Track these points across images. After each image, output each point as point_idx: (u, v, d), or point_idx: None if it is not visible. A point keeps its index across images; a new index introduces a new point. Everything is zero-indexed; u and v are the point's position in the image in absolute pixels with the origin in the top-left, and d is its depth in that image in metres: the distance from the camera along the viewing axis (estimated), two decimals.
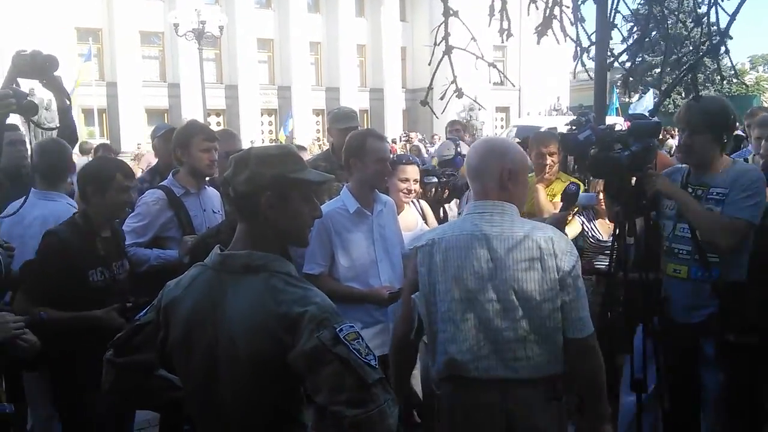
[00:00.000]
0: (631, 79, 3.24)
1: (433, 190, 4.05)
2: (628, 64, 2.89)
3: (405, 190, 3.52)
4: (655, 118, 3.00)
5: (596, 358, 2.05)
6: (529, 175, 4.07)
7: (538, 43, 2.28)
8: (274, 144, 2.76)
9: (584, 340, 2.02)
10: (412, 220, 3.60)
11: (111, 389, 1.75)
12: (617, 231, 2.89)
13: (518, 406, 2.02)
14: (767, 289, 2.76)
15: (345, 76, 33.81)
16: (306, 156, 5.51)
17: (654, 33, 4.51)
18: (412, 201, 3.68)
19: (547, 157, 3.95)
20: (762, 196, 2.75)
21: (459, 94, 1.99)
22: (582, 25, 2.21)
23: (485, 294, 2.01)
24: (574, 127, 2.82)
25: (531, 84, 35.43)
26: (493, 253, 2.01)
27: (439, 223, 4.40)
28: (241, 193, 1.60)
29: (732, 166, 2.85)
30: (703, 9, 2.26)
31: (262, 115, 32.73)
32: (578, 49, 2.32)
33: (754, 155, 4.20)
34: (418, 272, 2.12)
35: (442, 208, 4.48)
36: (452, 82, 2.03)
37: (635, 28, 3.20)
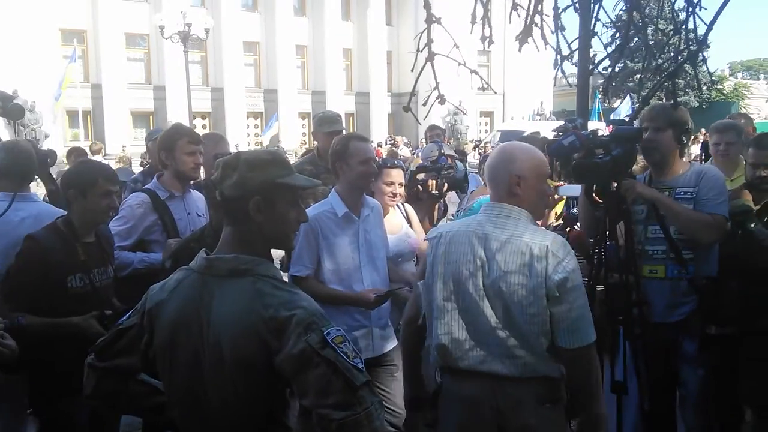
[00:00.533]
0: (613, 84, 3.29)
1: (434, 183, 4.12)
2: (609, 71, 2.95)
3: (390, 194, 3.53)
4: (636, 124, 3.06)
5: (587, 366, 2.06)
6: None
7: (520, 50, 2.31)
8: (262, 149, 2.77)
9: (574, 351, 2.02)
10: (397, 223, 3.62)
11: (92, 394, 1.74)
12: (598, 236, 2.93)
13: (507, 403, 2.06)
14: (742, 282, 2.87)
15: (331, 79, 33.81)
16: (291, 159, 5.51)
17: (636, 39, 4.58)
18: (396, 204, 3.70)
19: None
20: (726, 192, 2.95)
21: (441, 100, 2.01)
22: (563, 34, 2.25)
23: (475, 290, 2.08)
24: (561, 133, 2.87)
25: (515, 89, 35.68)
26: (488, 252, 2.08)
27: (437, 217, 4.49)
28: (229, 197, 1.61)
29: (691, 167, 3.03)
30: (683, 17, 2.30)
31: (248, 118, 32.63)
32: (558, 57, 2.36)
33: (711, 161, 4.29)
34: (427, 261, 2.24)
35: (443, 200, 4.56)
36: (435, 89, 2.05)
37: (617, 35, 3.25)
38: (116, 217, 3.24)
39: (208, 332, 1.57)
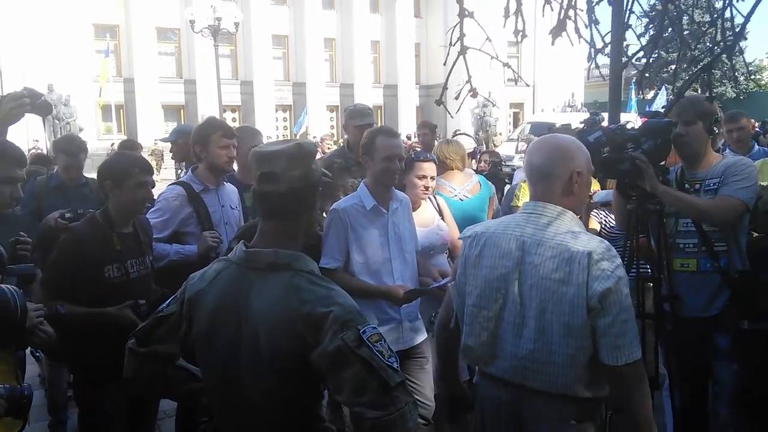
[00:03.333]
0: (646, 75, 3.26)
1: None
2: (643, 61, 2.91)
3: (422, 187, 3.51)
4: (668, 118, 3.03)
5: (632, 384, 1.86)
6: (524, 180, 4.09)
7: (553, 44, 2.29)
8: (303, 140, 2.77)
9: (619, 369, 1.83)
10: (429, 216, 3.61)
11: (132, 377, 1.78)
12: (629, 230, 2.92)
13: (529, 416, 1.97)
14: None
15: (359, 72, 33.82)
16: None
17: (670, 29, 4.51)
18: (429, 197, 3.70)
19: None
20: (754, 181, 2.88)
21: (474, 93, 2.01)
22: (596, 27, 2.23)
23: (508, 296, 1.96)
24: (586, 127, 2.85)
25: (545, 80, 35.24)
26: (527, 256, 1.93)
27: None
28: (296, 189, 1.62)
29: (723, 159, 2.99)
30: (719, 5, 2.27)
31: (276, 111, 32.83)
32: (592, 50, 2.33)
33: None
34: (459, 262, 2.15)
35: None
36: (467, 82, 2.04)
37: (651, 26, 3.22)
38: (152, 209, 3.32)
39: (246, 324, 1.59)
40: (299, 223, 1.66)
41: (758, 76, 39.58)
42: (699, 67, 2.37)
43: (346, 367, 1.47)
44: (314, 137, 25.27)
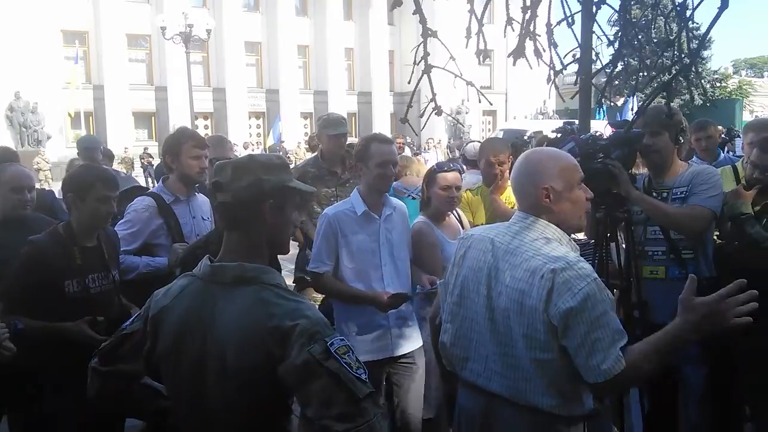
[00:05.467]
0: (616, 83, 3.34)
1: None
2: (608, 76, 2.96)
3: (447, 199, 3.40)
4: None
5: (625, 387, 1.86)
6: (479, 185, 4.12)
7: (514, 64, 2.32)
8: (269, 153, 2.79)
9: (600, 385, 1.76)
10: (456, 227, 3.52)
11: (96, 396, 1.75)
12: (598, 238, 2.96)
13: (499, 424, 1.97)
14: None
15: (333, 79, 33.85)
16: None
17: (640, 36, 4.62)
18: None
19: (497, 166, 3.95)
20: (720, 189, 2.97)
21: (438, 111, 2.02)
22: (555, 51, 2.26)
23: (481, 300, 1.98)
24: (559, 134, 2.90)
25: (518, 88, 35.65)
26: (500, 263, 1.94)
27: None
28: (243, 200, 1.59)
29: (689, 168, 3.07)
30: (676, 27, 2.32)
31: (250, 118, 32.68)
32: (552, 72, 2.37)
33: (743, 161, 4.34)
34: (450, 261, 2.18)
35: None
36: (431, 101, 2.05)
37: (620, 34, 3.27)
38: (122, 221, 3.27)
39: (212, 340, 1.57)
40: (258, 233, 1.63)
41: (723, 84, 40.56)
42: (657, 86, 2.43)
43: (314, 380, 1.45)
44: (282, 142, 25.19)
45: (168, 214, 3.31)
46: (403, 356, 3.15)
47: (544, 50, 2.22)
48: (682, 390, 3.10)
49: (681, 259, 2.92)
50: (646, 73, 3.21)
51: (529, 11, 2.23)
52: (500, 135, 22.11)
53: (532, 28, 2.11)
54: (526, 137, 6.62)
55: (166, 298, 1.68)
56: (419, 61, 1.97)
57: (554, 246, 1.89)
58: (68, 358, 2.35)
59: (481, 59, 2.17)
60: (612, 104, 26.73)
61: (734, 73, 54.90)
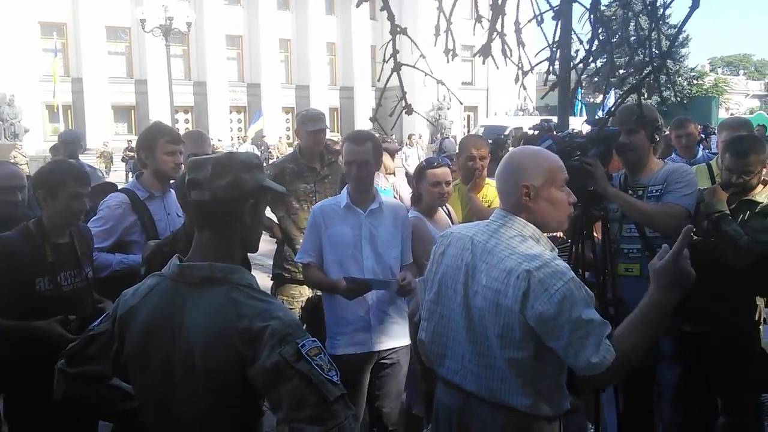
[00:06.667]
0: (595, 80, 3.37)
1: None
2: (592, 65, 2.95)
3: (438, 194, 3.41)
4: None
5: (620, 373, 1.83)
6: (456, 182, 4.07)
7: (483, 63, 2.32)
8: (245, 151, 2.77)
9: (596, 377, 1.76)
10: (446, 222, 3.54)
11: (63, 398, 1.72)
12: (574, 236, 2.96)
13: (474, 423, 1.96)
14: (716, 283, 2.91)
15: (315, 74, 33.70)
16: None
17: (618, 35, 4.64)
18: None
19: (478, 161, 3.96)
20: (695, 187, 3.02)
21: (408, 110, 2.00)
22: (523, 50, 2.25)
23: (458, 299, 1.97)
24: (536, 132, 2.89)
25: (499, 84, 35.75)
26: (477, 262, 1.93)
27: None
28: (222, 199, 1.57)
29: (664, 166, 3.11)
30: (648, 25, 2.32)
31: (231, 112, 32.43)
32: (520, 72, 2.36)
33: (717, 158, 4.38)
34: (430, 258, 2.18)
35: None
36: (401, 99, 2.03)
37: (600, 30, 3.27)
38: (95, 217, 3.22)
39: (180, 341, 1.54)
40: (233, 232, 1.61)
41: (700, 82, 41.10)
42: (629, 87, 2.44)
43: (285, 382, 1.44)
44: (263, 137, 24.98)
45: (142, 210, 3.27)
46: (387, 353, 3.14)
47: (511, 49, 2.21)
48: (655, 388, 3.13)
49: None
50: (620, 72, 3.22)
51: (492, 11, 2.22)
52: (480, 131, 22.21)
53: (499, 27, 2.09)
54: (505, 134, 6.65)
55: (135, 298, 1.65)
56: (388, 59, 1.96)
57: (530, 244, 1.89)
58: (38, 357, 2.30)
59: (450, 58, 2.15)
60: (590, 100, 26.96)
61: (711, 70, 55.64)
